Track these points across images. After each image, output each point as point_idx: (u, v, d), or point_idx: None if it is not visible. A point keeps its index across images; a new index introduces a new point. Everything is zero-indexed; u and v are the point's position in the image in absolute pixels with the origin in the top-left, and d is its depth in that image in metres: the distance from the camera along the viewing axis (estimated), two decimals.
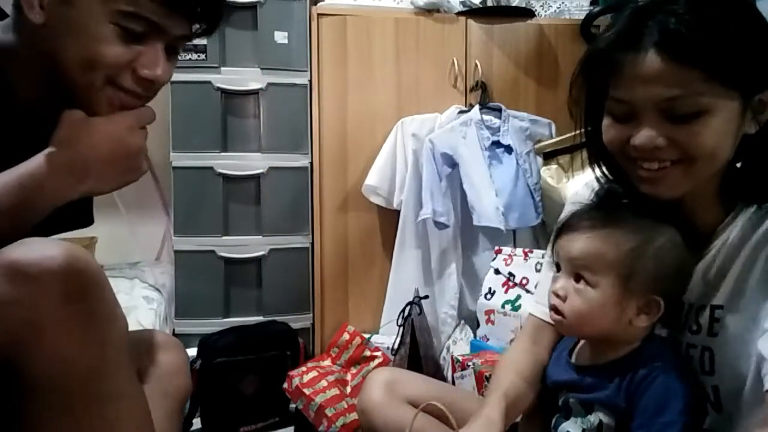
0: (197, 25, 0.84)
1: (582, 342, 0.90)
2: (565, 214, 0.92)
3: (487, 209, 1.99)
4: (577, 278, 0.81)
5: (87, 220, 0.97)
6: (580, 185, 1.00)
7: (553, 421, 0.88)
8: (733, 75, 0.70)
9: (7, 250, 0.65)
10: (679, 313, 0.84)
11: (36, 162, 0.73)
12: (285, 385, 1.77)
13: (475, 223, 2.00)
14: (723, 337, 0.78)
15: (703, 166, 0.74)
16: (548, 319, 0.91)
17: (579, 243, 0.82)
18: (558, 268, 0.85)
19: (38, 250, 0.65)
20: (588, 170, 0.91)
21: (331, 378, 1.77)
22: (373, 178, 2.10)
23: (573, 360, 0.89)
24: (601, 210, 0.85)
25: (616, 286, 0.79)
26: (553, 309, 0.84)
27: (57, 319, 0.64)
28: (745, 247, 0.78)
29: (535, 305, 1.01)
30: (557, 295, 0.83)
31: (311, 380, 1.74)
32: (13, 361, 0.63)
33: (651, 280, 0.79)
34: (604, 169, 0.89)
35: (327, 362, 1.88)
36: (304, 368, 1.80)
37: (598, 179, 0.90)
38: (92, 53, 0.75)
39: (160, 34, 0.79)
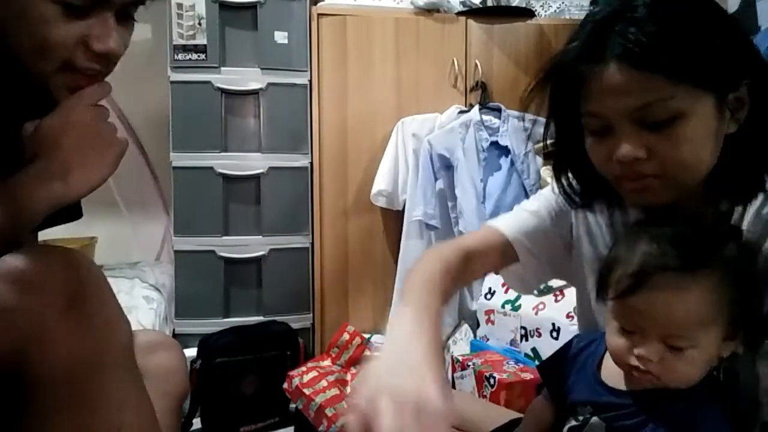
0: None
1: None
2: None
3: (473, 216, 2.02)
4: (671, 344, 0.70)
5: (76, 213, 0.93)
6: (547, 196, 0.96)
7: (565, 429, 0.82)
8: (701, 76, 0.69)
9: (9, 258, 0.65)
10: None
11: (12, 183, 0.69)
12: (285, 385, 1.77)
13: (461, 228, 2.03)
14: None
15: (685, 175, 0.72)
16: (517, 246, 0.90)
17: (663, 307, 0.69)
18: (625, 328, 0.73)
19: (41, 257, 0.65)
20: None
21: (331, 378, 1.76)
22: (380, 184, 2.11)
23: (603, 377, 0.80)
24: (660, 243, 0.71)
25: (720, 338, 0.70)
26: (639, 370, 0.72)
27: (60, 325, 0.64)
28: None
29: (508, 225, 0.92)
30: (647, 359, 0.71)
31: (311, 380, 1.74)
32: (16, 366, 0.63)
33: (745, 316, 0.71)
34: (571, 178, 0.86)
35: (327, 362, 1.88)
36: (304, 368, 1.80)
37: (564, 188, 0.87)
38: (40, 37, 0.71)
39: (105, 3, 0.73)
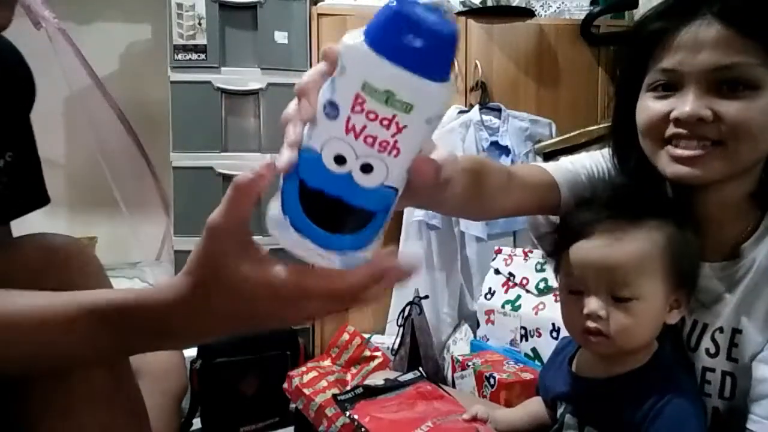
0: None
1: (583, 349, 0.83)
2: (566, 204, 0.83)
3: None
4: (615, 294, 0.72)
5: (42, 199, 0.87)
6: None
7: None
8: None
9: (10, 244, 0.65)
10: (675, 325, 0.80)
11: None
12: (285, 385, 1.77)
13: (462, 229, 2.03)
14: (744, 364, 0.74)
15: (745, 149, 0.70)
16: (562, 189, 0.83)
17: (607, 254, 0.72)
18: (573, 290, 0.76)
19: (39, 244, 0.65)
20: None
21: (331, 378, 1.76)
22: None
23: (574, 369, 0.83)
24: (605, 210, 0.75)
25: (662, 287, 0.72)
26: (593, 332, 0.73)
27: None
28: None
29: (554, 169, 0.87)
30: (597, 317, 0.72)
31: (311, 380, 1.74)
32: None
33: (687, 274, 0.74)
34: (615, 160, 0.84)
35: (327, 362, 1.88)
36: (304, 368, 1.80)
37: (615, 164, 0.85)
38: None
39: None
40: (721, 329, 0.77)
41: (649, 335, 0.74)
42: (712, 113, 0.69)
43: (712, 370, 0.77)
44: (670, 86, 0.72)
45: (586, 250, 0.73)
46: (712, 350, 0.77)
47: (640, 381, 0.74)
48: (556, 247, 0.79)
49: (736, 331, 0.75)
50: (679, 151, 0.71)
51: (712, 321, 0.78)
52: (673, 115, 0.71)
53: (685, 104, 0.70)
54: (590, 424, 0.77)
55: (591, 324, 0.73)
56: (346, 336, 1.89)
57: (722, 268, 0.77)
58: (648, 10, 0.77)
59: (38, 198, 0.86)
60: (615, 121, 0.85)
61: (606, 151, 0.87)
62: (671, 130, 0.72)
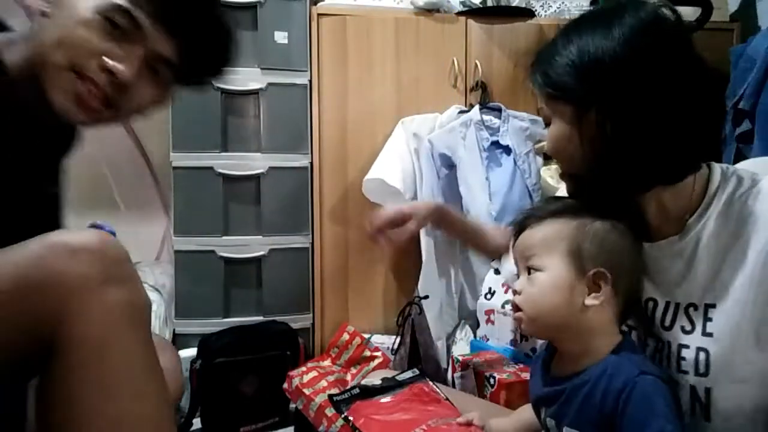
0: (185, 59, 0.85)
1: (557, 352, 0.87)
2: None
3: (481, 213, 2.00)
4: (530, 271, 0.84)
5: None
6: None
7: None
8: None
9: (50, 234, 0.69)
10: (646, 308, 0.85)
11: None
12: (285, 385, 1.77)
13: None
14: (719, 337, 0.77)
15: None
16: None
17: (524, 237, 0.86)
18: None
19: (78, 233, 0.70)
20: None
21: (331, 378, 1.76)
22: (373, 175, 2.10)
23: (548, 372, 0.87)
24: (543, 209, 0.89)
25: (563, 264, 0.81)
26: (514, 307, 0.86)
27: (94, 298, 0.66)
28: (735, 244, 0.77)
29: None
30: (516, 292, 0.85)
31: (311, 380, 1.74)
32: (50, 336, 0.65)
33: (594, 257, 0.80)
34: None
35: (327, 362, 1.88)
36: (304, 368, 1.80)
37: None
38: (68, 31, 0.78)
39: (141, 39, 0.80)
40: (694, 306, 0.80)
41: (554, 306, 0.81)
42: None
43: (687, 346, 0.80)
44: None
45: (520, 239, 0.88)
46: (688, 327, 0.80)
47: (604, 371, 0.76)
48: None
49: (709, 306, 0.78)
50: None
51: (683, 299, 0.81)
52: None
53: None
54: (567, 423, 0.79)
55: (512, 298, 0.86)
56: (346, 336, 1.89)
57: (669, 245, 0.82)
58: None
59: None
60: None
61: None
62: None
